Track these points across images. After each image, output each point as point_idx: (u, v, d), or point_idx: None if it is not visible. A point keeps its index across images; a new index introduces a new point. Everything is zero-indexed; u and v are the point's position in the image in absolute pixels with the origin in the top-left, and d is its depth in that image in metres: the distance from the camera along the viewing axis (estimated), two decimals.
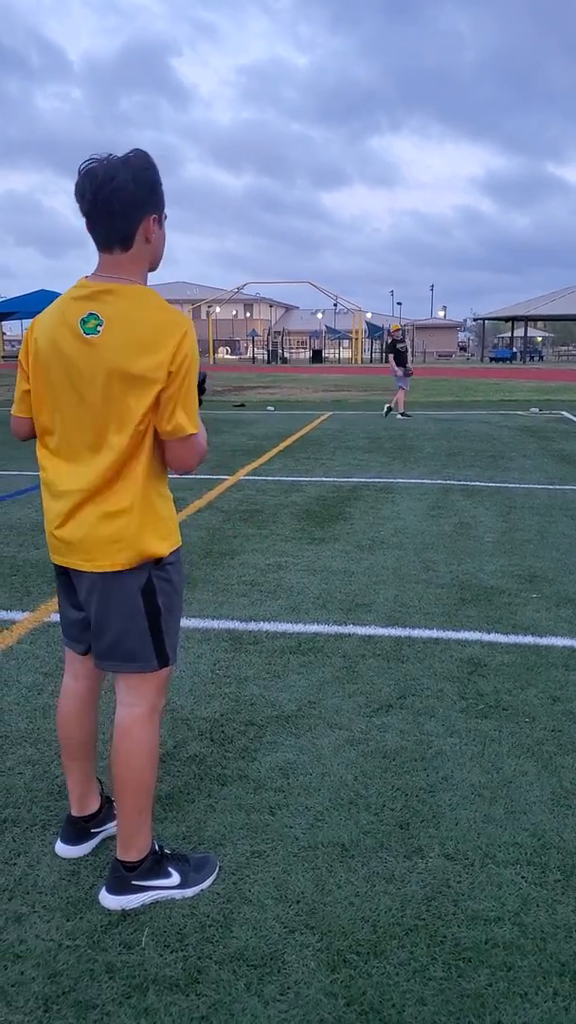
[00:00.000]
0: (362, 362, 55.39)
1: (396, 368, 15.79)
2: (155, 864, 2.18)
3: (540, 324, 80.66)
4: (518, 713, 3.24)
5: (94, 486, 1.98)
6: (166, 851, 2.24)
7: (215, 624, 4.20)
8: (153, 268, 2.10)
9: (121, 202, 1.93)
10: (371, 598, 4.63)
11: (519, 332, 67.24)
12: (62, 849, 2.37)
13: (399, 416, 15.75)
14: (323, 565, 5.28)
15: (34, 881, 2.25)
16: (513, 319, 64.90)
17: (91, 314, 1.94)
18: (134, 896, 2.14)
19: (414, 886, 2.23)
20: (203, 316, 66.33)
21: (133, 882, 2.15)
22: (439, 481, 8.47)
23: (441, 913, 2.13)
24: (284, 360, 56.23)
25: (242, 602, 4.54)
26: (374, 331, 58.10)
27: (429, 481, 8.48)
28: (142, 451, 1.98)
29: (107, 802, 2.45)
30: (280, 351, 56.42)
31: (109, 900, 2.15)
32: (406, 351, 16.10)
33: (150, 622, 2.07)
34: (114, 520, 1.99)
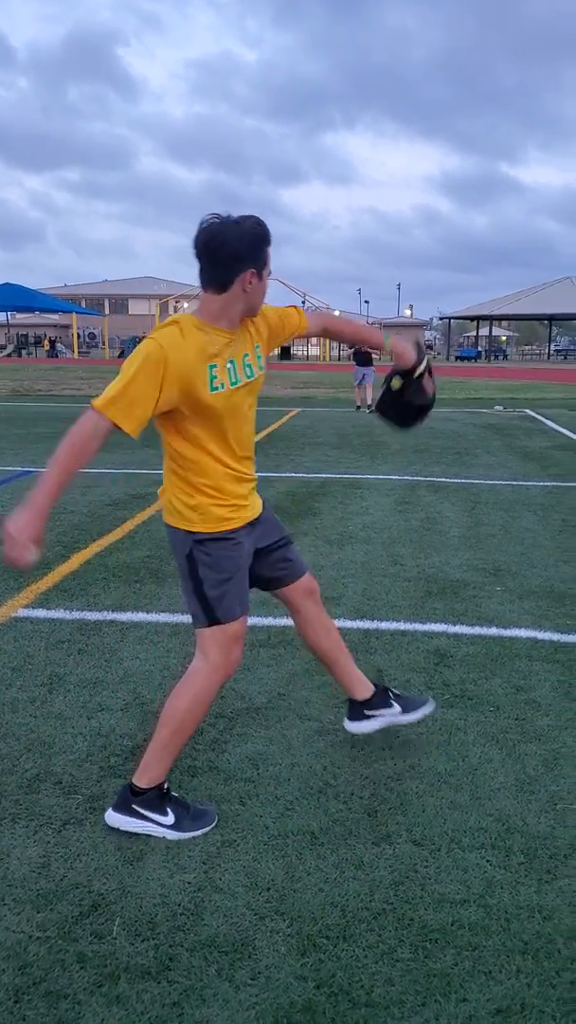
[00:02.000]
0: (331, 359, 55.51)
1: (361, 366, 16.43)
2: (157, 798, 2.42)
3: (504, 323, 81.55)
4: (483, 702, 3.30)
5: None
6: (172, 793, 2.47)
7: (184, 619, 4.19)
8: (251, 314, 2.35)
9: (224, 254, 2.17)
10: (340, 591, 4.67)
11: (484, 331, 67.91)
12: (349, 725, 2.88)
13: (368, 411, 16.08)
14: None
15: (3, 874, 2.25)
16: (478, 318, 65.56)
17: None
18: (130, 820, 2.41)
19: (382, 871, 2.27)
20: (171, 311, 66.03)
21: (134, 806, 2.41)
22: (407, 477, 8.55)
23: (408, 897, 2.17)
24: None
25: None
26: None
27: (397, 477, 8.55)
28: (166, 453, 2.42)
29: (382, 691, 2.89)
30: None
31: (109, 817, 2.44)
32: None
33: (195, 584, 2.39)
34: (163, 496, 2.47)
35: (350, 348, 17.64)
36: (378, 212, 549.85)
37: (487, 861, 2.33)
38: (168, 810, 2.41)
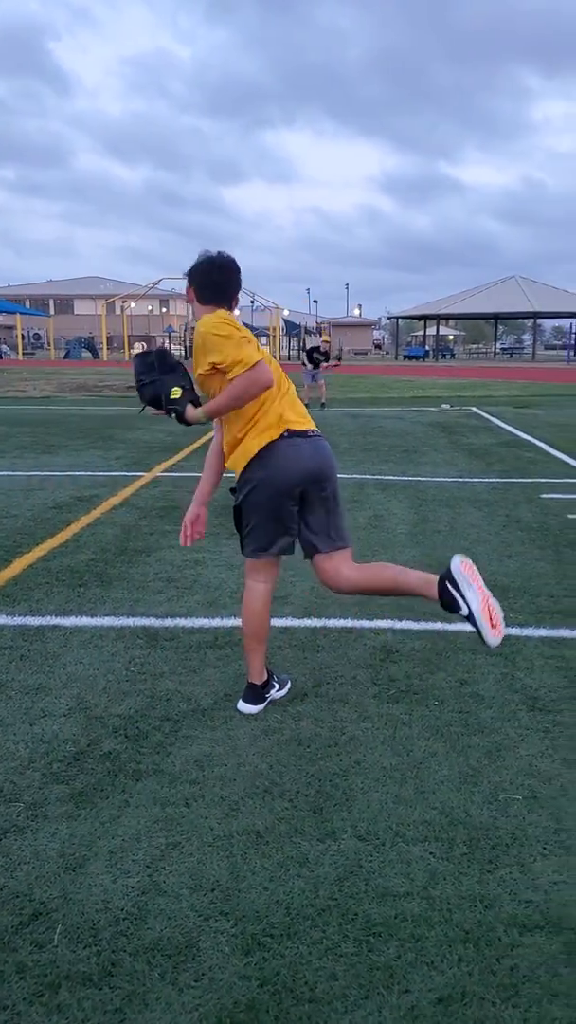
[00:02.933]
0: (280, 359, 55.60)
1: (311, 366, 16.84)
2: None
3: (451, 322, 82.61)
4: (428, 697, 3.34)
5: None
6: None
7: (130, 622, 4.17)
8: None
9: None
10: (288, 591, 4.68)
11: (431, 330, 68.69)
12: (245, 707, 3.21)
13: (320, 408, 16.49)
14: (241, 560, 5.29)
15: None
16: (425, 317, 66.28)
17: None
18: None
19: (327, 868, 2.29)
20: (117, 311, 65.38)
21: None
22: (355, 476, 8.60)
23: (353, 892, 2.19)
24: None
25: (158, 599, 4.53)
26: (292, 328, 58.38)
27: (345, 476, 8.59)
28: None
29: (271, 675, 3.31)
30: None
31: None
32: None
33: (236, 521, 3.21)
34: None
35: (303, 349, 17.96)
36: (321, 211, 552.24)
37: (430, 853, 2.36)
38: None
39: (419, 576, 3.05)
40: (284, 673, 3.49)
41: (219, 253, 3.12)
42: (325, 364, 17.39)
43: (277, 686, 3.32)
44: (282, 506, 3.03)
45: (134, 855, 2.33)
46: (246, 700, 3.22)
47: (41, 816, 2.51)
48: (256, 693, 3.23)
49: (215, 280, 3.09)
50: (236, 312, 3.15)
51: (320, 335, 18.40)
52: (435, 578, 2.97)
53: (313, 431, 3.10)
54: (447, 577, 2.93)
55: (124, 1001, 1.82)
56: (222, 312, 3.01)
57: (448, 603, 2.92)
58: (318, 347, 17.54)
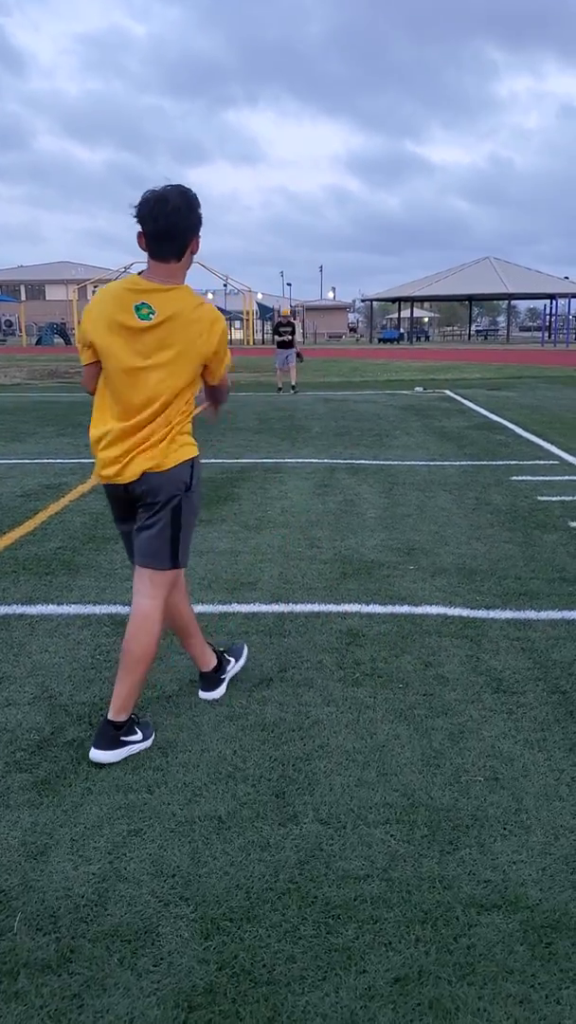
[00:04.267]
0: (254, 343, 55.35)
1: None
2: (130, 725, 2.79)
3: (426, 305, 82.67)
4: (392, 680, 3.37)
5: None
6: (132, 715, 2.82)
7: (97, 609, 4.16)
8: (188, 268, 2.76)
9: (183, 226, 2.63)
10: (256, 576, 4.68)
11: (406, 313, 68.70)
12: (204, 694, 3.15)
13: (292, 392, 16.45)
14: (209, 546, 5.30)
15: None
16: (400, 300, 66.24)
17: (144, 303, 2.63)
18: (121, 750, 2.75)
19: (288, 852, 2.30)
20: (89, 296, 64.66)
21: (121, 738, 2.76)
22: (326, 460, 8.61)
23: (313, 875, 2.21)
24: None
25: (126, 586, 4.51)
26: (266, 312, 58.10)
27: (316, 460, 8.61)
28: (177, 404, 2.82)
29: (220, 653, 3.22)
30: None
31: (102, 755, 2.72)
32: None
33: (173, 531, 2.81)
34: (158, 447, 2.86)
35: (274, 332, 17.73)
36: (288, 192, 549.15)
37: (391, 836, 2.38)
38: (137, 729, 2.83)
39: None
40: (237, 642, 3.50)
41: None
42: (294, 340, 17.16)
43: (232, 660, 3.30)
44: None
45: (96, 842, 2.33)
46: (204, 689, 3.21)
47: (3, 804, 2.51)
48: (211, 680, 3.21)
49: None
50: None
51: (280, 312, 18.17)
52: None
53: None
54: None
55: (82, 987, 1.83)
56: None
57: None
58: (282, 321, 17.37)
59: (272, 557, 5.08)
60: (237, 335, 66.69)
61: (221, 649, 3.30)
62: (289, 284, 75.48)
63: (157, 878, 2.19)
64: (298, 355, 17.35)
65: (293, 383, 17.22)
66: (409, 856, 2.29)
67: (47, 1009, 1.77)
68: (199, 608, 4.16)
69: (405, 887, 2.17)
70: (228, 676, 3.27)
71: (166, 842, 2.34)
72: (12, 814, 2.46)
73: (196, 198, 2.68)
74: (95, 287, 59.74)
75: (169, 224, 2.60)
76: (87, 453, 9.02)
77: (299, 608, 4.19)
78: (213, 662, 3.19)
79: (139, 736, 2.84)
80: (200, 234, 2.72)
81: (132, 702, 2.79)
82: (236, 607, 4.19)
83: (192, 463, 2.81)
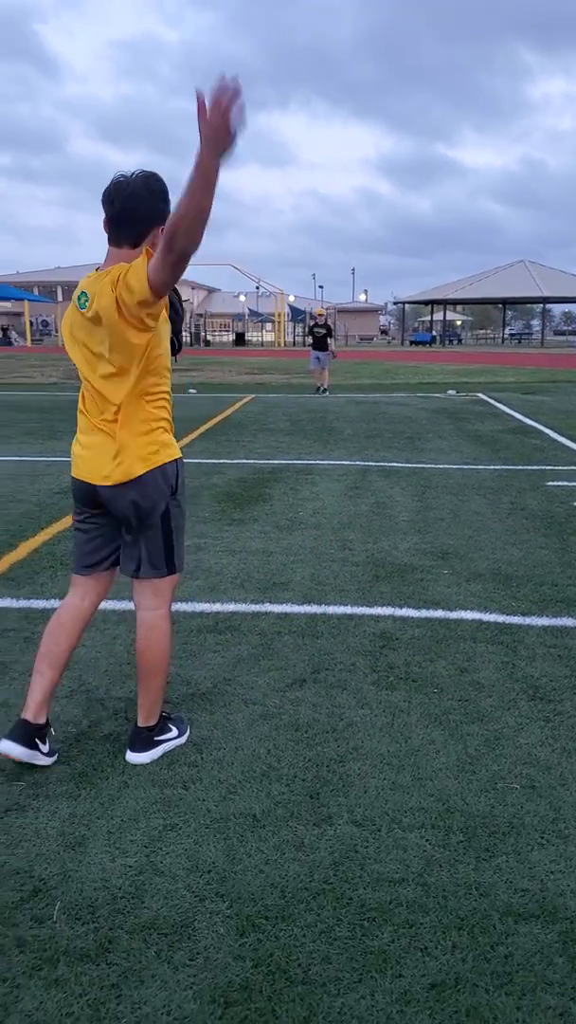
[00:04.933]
0: (285, 345, 55.41)
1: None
2: (163, 724, 2.82)
3: (459, 308, 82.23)
4: (427, 684, 3.35)
5: None
6: (163, 714, 2.84)
7: (131, 605, 4.17)
8: None
9: (142, 213, 2.47)
10: (288, 577, 4.69)
11: (438, 316, 68.36)
12: (7, 745, 2.62)
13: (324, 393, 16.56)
14: (242, 546, 5.32)
15: None
16: (432, 302, 65.93)
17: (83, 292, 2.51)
18: (155, 750, 2.76)
19: (322, 852, 2.30)
20: None
21: (155, 739, 2.77)
22: (358, 462, 8.59)
23: (348, 877, 2.21)
24: (207, 343, 55.81)
25: None
26: (297, 314, 58.15)
27: (348, 462, 8.60)
28: (131, 397, 2.60)
29: (48, 726, 2.74)
30: (203, 334, 55.95)
31: (138, 757, 2.73)
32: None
33: (164, 536, 2.74)
34: (120, 454, 2.68)
35: (308, 333, 17.81)
36: (319, 195, 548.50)
37: (426, 840, 2.37)
38: (170, 726, 2.84)
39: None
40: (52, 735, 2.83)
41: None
42: (330, 340, 17.16)
43: (45, 745, 2.70)
44: None
45: (132, 835, 2.35)
46: (10, 736, 2.64)
47: (42, 795, 2.54)
48: (25, 733, 2.65)
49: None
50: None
51: (314, 313, 18.30)
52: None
53: None
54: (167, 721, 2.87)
55: (120, 977, 1.85)
56: None
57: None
58: (317, 322, 17.43)
59: (304, 558, 5.08)
60: (269, 336, 66.82)
61: (164, 714, 2.88)
62: (321, 287, 75.63)
63: (193, 873, 2.20)
64: (332, 353, 17.34)
65: (325, 385, 17.24)
66: (445, 861, 2.28)
67: (86, 998, 1.79)
68: (231, 606, 4.18)
69: (441, 892, 2.16)
70: (46, 748, 2.70)
71: (201, 838, 2.35)
72: (51, 804, 2.49)
73: (162, 187, 2.50)
74: None
75: (124, 208, 2.47)
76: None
77: (332, 610, 4.19)
78: (43, 719, 2.69)
79: (174, 732, 2.85)
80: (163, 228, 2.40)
81: (158, 707, 2.78)
82: (269, 607, 4.20)
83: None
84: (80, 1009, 1.76)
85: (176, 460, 2.69)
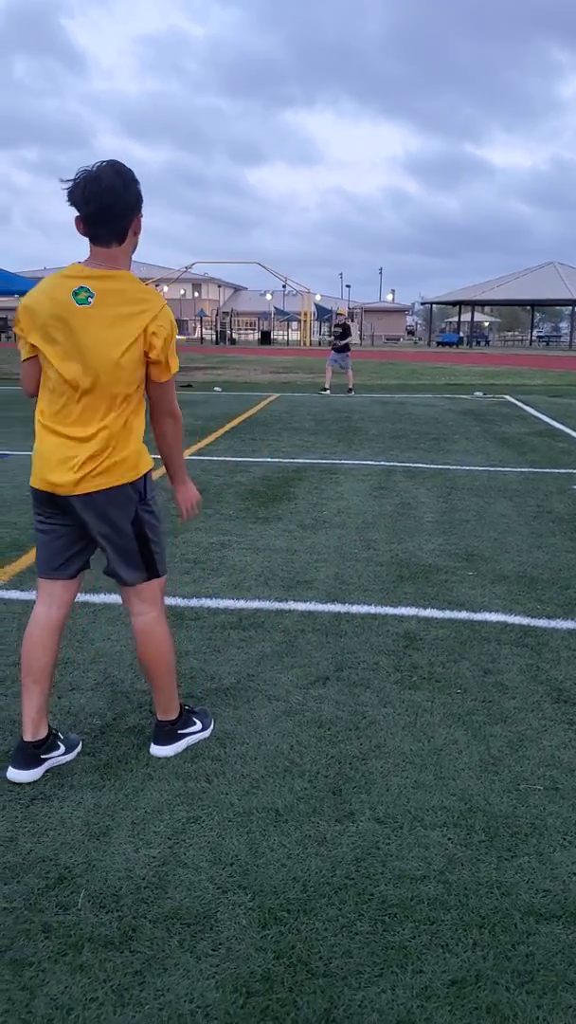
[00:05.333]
0: (311, 344, 55.40)
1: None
2: (187, 717, 2.82)
3: (486, 309, 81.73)
4: (450, 684, 3.35)
5: None
6: (186, 707, 2.85)
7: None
8: (133, 252, 2.54)
9: (121, 206, 2.39)
10: (312, 575, 4.70)
11: (466, 317, 67.99)
12: (15, 774, 2.59)
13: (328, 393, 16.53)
14: (266, 544, 5.34)
15: None
16: (460, 303, 65.58)
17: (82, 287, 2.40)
18: (179, 743, 2.77)
19: (344, 848, 2.32)
20: None
21: (179, 731, 2.78)
22: (383, 463, 8.59)
23: (369, 873, 2.22)
24: (232, 341, 55.96)
25: (184, 579, 4.58)
26: (323, 313, 58.12)
27: (373, 462, 8.59)
28: (125, 412, 2.60)
29: (53, 733, 2.69)
30: (229, 332, 56.11)
31: (162, 750, 2.74)
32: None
33: (140, 543, 2.67)
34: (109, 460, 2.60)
35: (331, 336, 17.79)
36: (346, 193, 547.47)
37: (448, 839, 2.38)
38: (194, 719, 2.84)
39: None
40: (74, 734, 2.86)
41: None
42: (343, 343, 17.12)
43: (63, 748, 2.71)
44: None
45: (156, 827, 2.38)
46: (15, 765, 2.61)
47: (67, 785, 2.57)
48: (28, 754, 2.62)
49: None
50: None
51: (337, 312, 18.31)
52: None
53: None
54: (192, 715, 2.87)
55: (144, 965, 1.87)
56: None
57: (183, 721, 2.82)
58: (337, 321, 17.47)
59: (328, 557, 5.09)
60: (295, 335, 66.86)
61: (187, 707, 2.88)
62: (348, 286, 75.54)
63: (215, 865, 2.23)
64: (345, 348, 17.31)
65: (350, 385, 17.22)
66: (466, 860, 2.29)
67: (110, 984, 1.82)
68: (255, 604, 4.20)
69: (462, 890, 2.16)
70: (52, 761, 2.66)
71: (224, 831, 2.37)
72: (76, 794, 2.53)
73: (132, 174, 2.43)
74: (156, 286, 60.52)
75: (103, 205, 2.36)
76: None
77: (355, 609, 4.20)
78: (44, 732, 2.64)
79: (198, 726, 2.86)
80: (142, 212, 2.48)
81: (174, 701, 2.77)
82: (292, 604, 4.22)
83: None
84: (104, 995, 1.79)
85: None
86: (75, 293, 2.38)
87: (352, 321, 20.22)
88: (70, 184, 2.38)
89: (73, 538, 2.61)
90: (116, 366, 2.41)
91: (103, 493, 2.49)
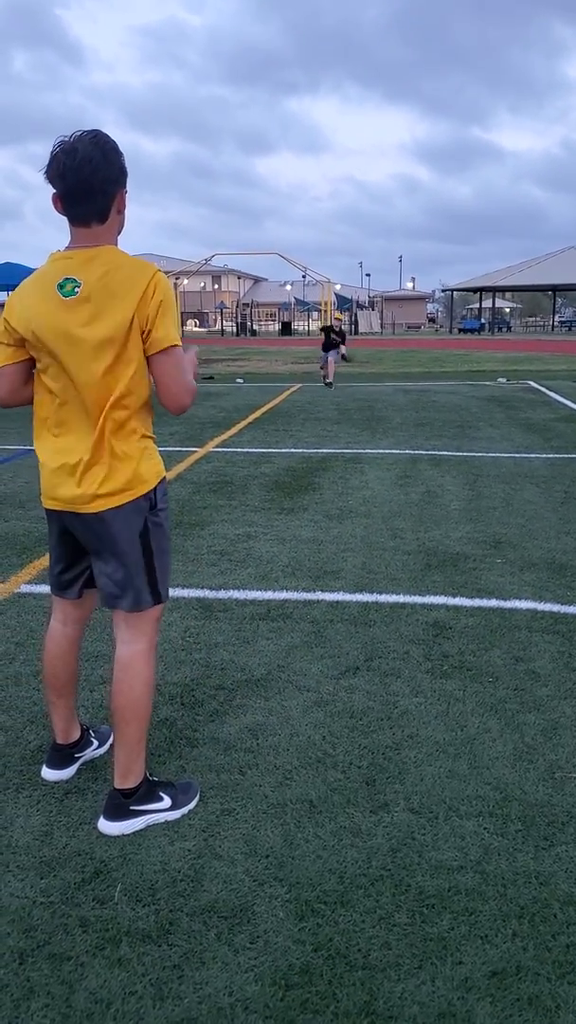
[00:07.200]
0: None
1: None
2: (149, 790, 2.37)
3: (508, 295, 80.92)
4: (482, 673, 3.32)
5: None
6: (154, 778, 2.45)
7: (185, 593, 4.22)
8: (119, 233, 2.26)
9: (100, 180, 2.11)
10: (339, 565, 4.68)
11: (487, 303, 67.33)
12: (49, 774, 2.58)
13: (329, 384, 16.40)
14: (292, 534, 5.32)
15: (8, 842, 2.28)
16: (481, 290, 64.94)
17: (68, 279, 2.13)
18: (133, 820, 2.33)
19: (380, 839, 2.30)
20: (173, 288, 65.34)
21: (131, 807, 2.33)
22: (407, 451, 8.53)
23: (406, 864, 2.20)
24: (253, 332, 55.88)
25: (212, 571, 4.57)
26: (343, 303, 57.85)
27: (397, 451, 8.54)
28: (122, 415, 2.27)
29: (85, 731, 2.68)
30: (249, 323, 56.03)
31: (109, 827, 2.32)
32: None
33: (146, 561, 2.34)
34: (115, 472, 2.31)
35: (336, 336, 17.71)
36: (357, 181, 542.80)
37: (484, 828, 2.35)
38: (161, 794, 2.37)
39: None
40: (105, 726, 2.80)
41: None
42: (342, 345, 17.09)
43: (96, 743, 2.70)
44: None
45: (190, 820, 2.38)
46: (49, 765, 2.60)
47: (101, 779, 2.58)
48: (64, 755, 2.62)
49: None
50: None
51: (333, 316, 18.43)
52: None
53: None
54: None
55: (182, 959, 1.87)
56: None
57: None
58: (332, 327, 17.46)
59: (355, 547, 5.06)
60: (315, 326, 66.60)
61: (156, 778, 2.48)
62: (368, 275, 75.08)
63: (251, 858, 2.22)
64: (343, 356, 17.34)
65: (328, 379, 17.03)
66: (503, 850, 2.26)
67: (149, 977, 1.82)
68: (283, 595, 4.19)
69: (500, 881, 2.14)
70: (86, 756, 2.66)
71: (259, 823, 2.37)
72: (110, 788, 2.53)
73: (113, 143, 2.15)
74: (176, 279, 60.55)
75: (81, 179, 2.08)
76: (172, 442, 9.17)
77: (383, 598, 4.17)
78: (76, 735, 2.62)
79: (164, 803, 2.37)
80: (127, 187, 2.20)
81: (137, 766, 2.34)
82: (320, 595, 4.20)
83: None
84: (143, 988, 1.79)
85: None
86: (60, 287, 2.12)
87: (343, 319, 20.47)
88: (48, 160, 2.11)
89: (77, 556, 2.42)
90: (107, 371, 2.15)
91: (113, 511, 2.23)
